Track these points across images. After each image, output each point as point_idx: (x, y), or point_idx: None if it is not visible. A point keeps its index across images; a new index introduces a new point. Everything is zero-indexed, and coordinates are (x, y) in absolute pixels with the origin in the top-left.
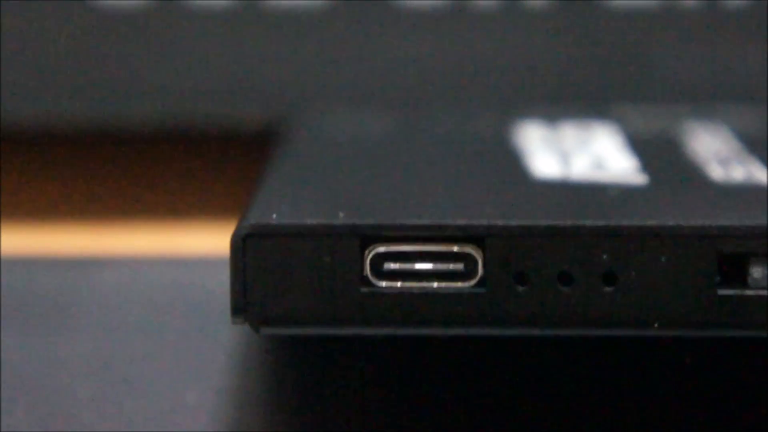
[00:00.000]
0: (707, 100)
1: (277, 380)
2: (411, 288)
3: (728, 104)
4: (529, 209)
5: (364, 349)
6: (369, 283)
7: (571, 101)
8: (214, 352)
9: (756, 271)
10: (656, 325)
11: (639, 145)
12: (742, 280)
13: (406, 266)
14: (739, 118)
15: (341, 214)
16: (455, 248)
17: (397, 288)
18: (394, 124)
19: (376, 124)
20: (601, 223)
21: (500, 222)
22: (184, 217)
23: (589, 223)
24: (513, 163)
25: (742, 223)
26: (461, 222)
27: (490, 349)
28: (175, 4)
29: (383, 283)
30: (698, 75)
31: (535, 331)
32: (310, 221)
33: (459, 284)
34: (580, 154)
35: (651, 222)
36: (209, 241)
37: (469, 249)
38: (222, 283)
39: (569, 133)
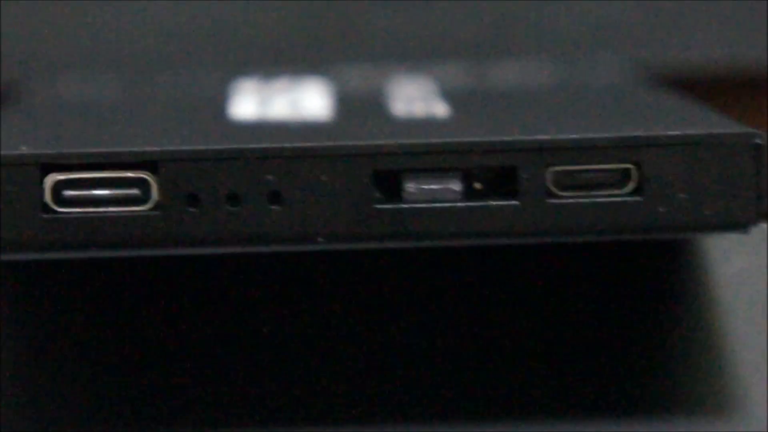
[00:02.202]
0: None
1: None
2: (89, 213)
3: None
4: (202, 137)
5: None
6: (50, 210)
7: (289, 58)
8: None
9: (409, 186)
10: (320, 239)
11: (339, 97)
12: (398, 195)
13: (85, 193)
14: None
15: (22, 147)
16: (129, 174)
17: (75, 213)
18: (121, 84)
19: (102, 85)
20: (263, 145)
21: (170, 147)
22: None
23: (252, 145)
24: (214, 107)
25: (394, 141)
26: (133, 148)
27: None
28: None
29: (64, 210)
30: (411, 31)
31: (207, 250)
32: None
33: (135, 208)
34: (278, 102)
35: (310, 143)
36: None
37: (142, 174)
38: None
39: (278, 87)
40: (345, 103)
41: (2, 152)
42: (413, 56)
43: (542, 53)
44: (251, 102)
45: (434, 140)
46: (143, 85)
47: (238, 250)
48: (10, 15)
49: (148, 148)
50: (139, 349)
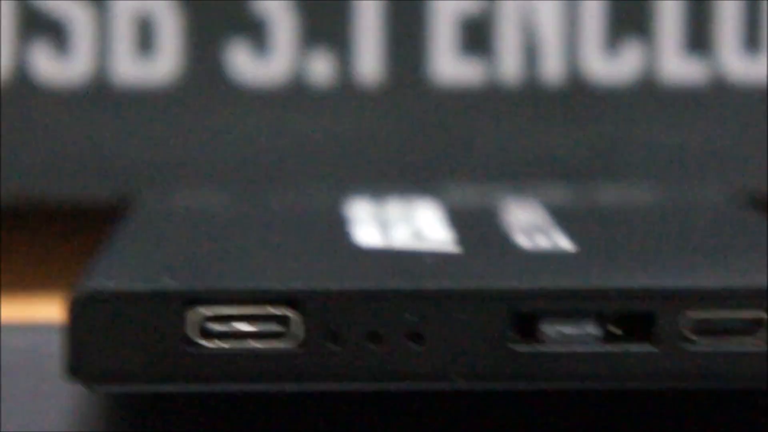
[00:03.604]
0: (526, 177)
1: None
2: (232, 348)
3: (546, 182)
4: (343, 274)
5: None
6: (194, 344)
7: (399, 176)
8: (54, 411)
9: (546, 328)
10: (458, 379)
11: (457, 220)
12: (535, 337)
13: (229, 327)
14: (553, 194)
15: (167, 280)
16: (273, 310)
17: (218, 347)
18: (232, 199)
19: (216, 201)
20: (404, 286)
21: (315, 286)
22: (37, 289)
23: (394, 286)
24: (335, 233)
25: (533, 285)
26: (278, 286)
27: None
28: (27, 82)
29: (207, 344)
30: (519, 153)
31: (347, 387)
32: (137, 285)
33: (278, 344)
34: (400, 226)
35: (449, 285)
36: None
37: (286, 311)
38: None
39: (393, 208)
40: (464, 230)
41: (146, 285)
42: (519, 176)
43: (645, 177)
44: (372, 227)
45: (573, 285)
46: (257, 202)
47: (377, 388)
48: (122, 130)
49: (293, 286)
50: None
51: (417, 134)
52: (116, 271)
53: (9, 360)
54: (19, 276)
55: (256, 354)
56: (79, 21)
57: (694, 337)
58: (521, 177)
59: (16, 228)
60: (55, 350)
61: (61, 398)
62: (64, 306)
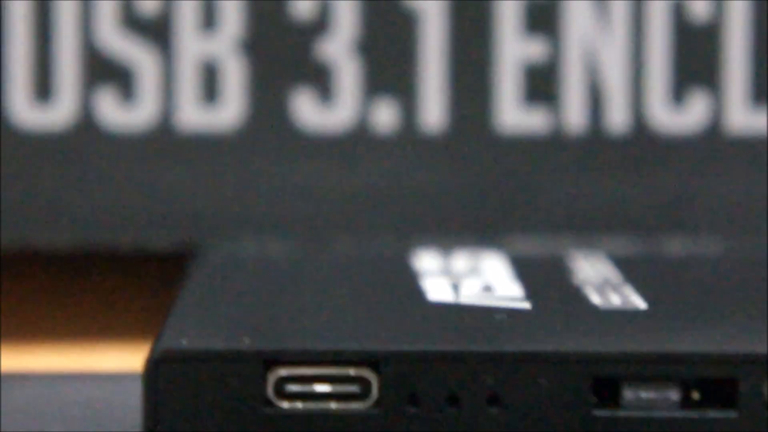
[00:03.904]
0: (591, 228)
1: None
2: (311, 408)
3: (611, 234)
4: (420, 334)
5: None
6: (272, 404)
7: (463, 226)
8: None
9: (628, 394)
10: None
11: (525, 273)
12: (616, 402)
13: (307, 388)
14: (619, 247)
15: (246, 340)
16: (352, 371)
17: (298, 409)
18: (299, 251)
19: (282, 250)
20: (484, 348)
21: (393, 348)
22: (103, 337)
23: (473, 348)
24: (407, 288)
25: (615, 349)
26: (357, 347)
27: None
28: (93, 128)
29: (285, 404)
30: (583, 203)
31: None
32: (216, 346)
33: (355, 405)
34: (470, 280)
35: (530, 347)
36: (127, 360)
37: (364, 372)
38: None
39: (461, 260)
40: (534, 284)
41: (226, 345)
42: (583, 226)
43: (711, 229)
44: (443, 283)
45: (654, 350)
46: (324, 252)
47: None
48: (186, 177)
49: (371, 347)
50: None
51: (481, 183)
52: (193, 330)
53: (83, 411)
54: (80, 325)
55: (333, 415)
56: (145, 67)
57: None
58: (586, 227)
59: (76, 275)
60: (128, 402)
61: None
62: (143, 364)
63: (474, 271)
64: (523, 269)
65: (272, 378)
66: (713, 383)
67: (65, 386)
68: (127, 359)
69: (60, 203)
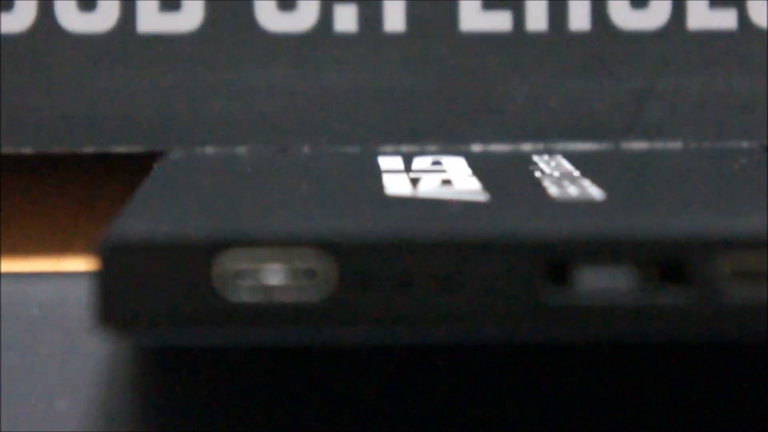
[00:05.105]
0: (553, 127)
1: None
2: (262, 300)
3: (572, 132)
4: (377, 222)
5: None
6: (220, 296)
7: (425, 125)
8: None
9: (580, 277)
10: (489, 329)
11: (484, 169)
12: (569, 286)
13: (258, 278)
14: (580, 145)
15: (194, 227)
16: (303, 259)
17: (248, 299)
18: (261, 151)
19: (244, 150)
20: (439, 234)
21: (348, 232)
22: (66, 241)
23: (428, 233)
24: (366, 183)
25: (568, 233)
26: (310, 230)
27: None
28: (53, 30)
29: (235, 295)
30: (545, 102)
31: (378, 337)
32: (164, 234)
33: (307, 295)
34: (429, 176)
35: (484, 234)
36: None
37: (316, 260)
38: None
39: (421, 159)
40: (494, 181)
41: (172, 231)
42: (545, 126)
43: (671, 128)
44: (402, 179)
45: (608, 232)
46: (286, 153)
47: (407, 339)
48: (147, 79)
49: (325, 231)
50: None
51: (443, 82)
52: (143, 220)
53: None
54: (44, 229)
55: (284, 305)
56: None
57: (729, 287)
58: (547, 126)
59: (39, 180)
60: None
61: (87, 350)
62: (93, 256)
63: (434, 168)
64: (482, 166)
65: (218, 266)
66: (666, 265)
67: (29, 286)
68: (90, 262)
69: (21, 106)
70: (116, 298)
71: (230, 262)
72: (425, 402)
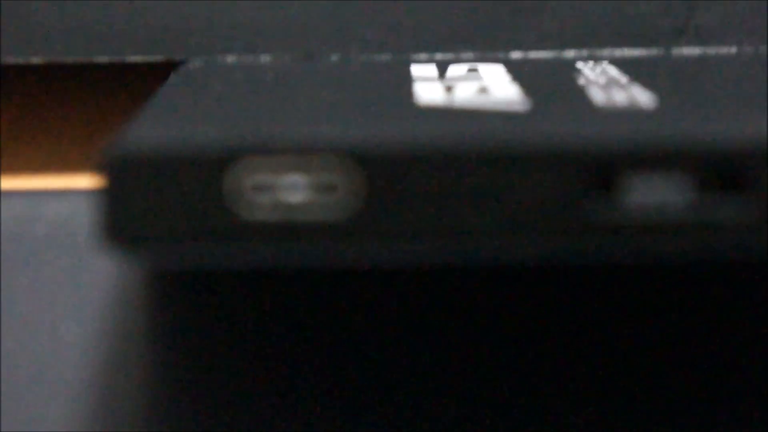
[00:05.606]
0: (599, 38)
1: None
2: (280, 218)
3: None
4: (408, 131)
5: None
6: (233, 213)
7: (462, 38)
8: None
9: (630, 183)
10: (528, 247)
11: (525, 77)
12: (616, 200)
13: (276, 193)
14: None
15: (205, 135)
16: (329, 171)
17: (264, 218)
18: (286, 61)
19: (268, 60)
20: (475, 144)
21: (377, 142)
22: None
23: (465, 144)
24: (397, 93)
25: (615, 140)
26: (337, 141)
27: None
28: None
29: (250, 212)
30: (591, 13)
31: (411, 259)
32: (173, 143)
33: (332, 212)
34: (465, 84)
35: (521, 142)
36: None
37: (344, 172)
38: None
39: (457, 67)
40: (535, 88)
41: (183, 140)
42: (590, 37)
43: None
44: (437, 87)
45: (660, 137)
46: (310, 63)
47: (439, 259)
48: None
49: (351, 139)
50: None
51: None
52: (154, 131)
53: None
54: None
55: (303, 224)
56: None
57: None
58: (593, 37)
59: (51, 90)
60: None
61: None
62: (97, 168)
63: (470, 76)
64: (522, 73)
65: (231, 178)
66: (727, 173)
67: (42, 203)
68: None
69: (27, 13)
70: (122, 213)
71: (244, 174)
72: (453, 327)
